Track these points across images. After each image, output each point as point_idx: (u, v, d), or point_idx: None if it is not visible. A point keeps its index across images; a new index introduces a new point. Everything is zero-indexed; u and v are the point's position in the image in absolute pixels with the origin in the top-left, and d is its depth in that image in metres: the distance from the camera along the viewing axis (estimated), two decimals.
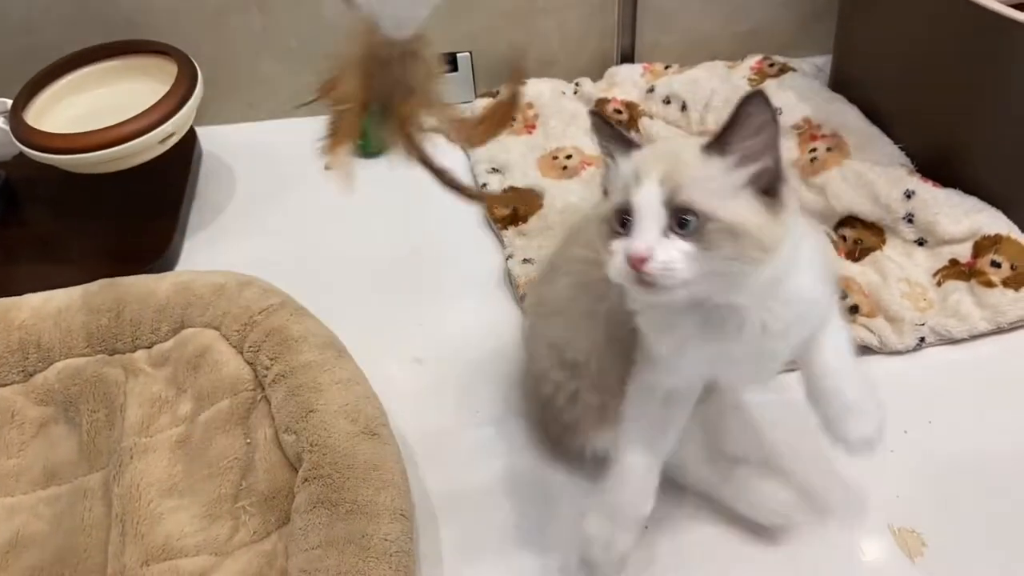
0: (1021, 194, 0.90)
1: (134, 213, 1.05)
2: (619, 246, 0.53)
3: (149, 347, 0.85)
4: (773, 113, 0.51)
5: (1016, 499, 0.74)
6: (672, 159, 0.54)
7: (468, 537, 0.75)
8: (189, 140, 1.11)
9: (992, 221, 0.90)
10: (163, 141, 0.94)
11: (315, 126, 1.21)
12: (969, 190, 0.93)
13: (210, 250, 1.04)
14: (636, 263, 0.51)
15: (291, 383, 0.77)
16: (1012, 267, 0.87)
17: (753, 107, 0.51)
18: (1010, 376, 0.83)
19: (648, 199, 0.52)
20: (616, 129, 0.58)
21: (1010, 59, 0.84)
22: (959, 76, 0.90)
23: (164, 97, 0.94)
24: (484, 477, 0.79)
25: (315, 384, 0.76)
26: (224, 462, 0.75)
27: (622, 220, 0.54)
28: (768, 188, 0.53)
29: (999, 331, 0.86)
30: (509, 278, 0.96)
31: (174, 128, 0.94)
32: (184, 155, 1.07)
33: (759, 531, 0.72)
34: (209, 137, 1.18)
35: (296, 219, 1.08)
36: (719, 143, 0.52)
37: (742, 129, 0.51)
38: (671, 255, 0.51)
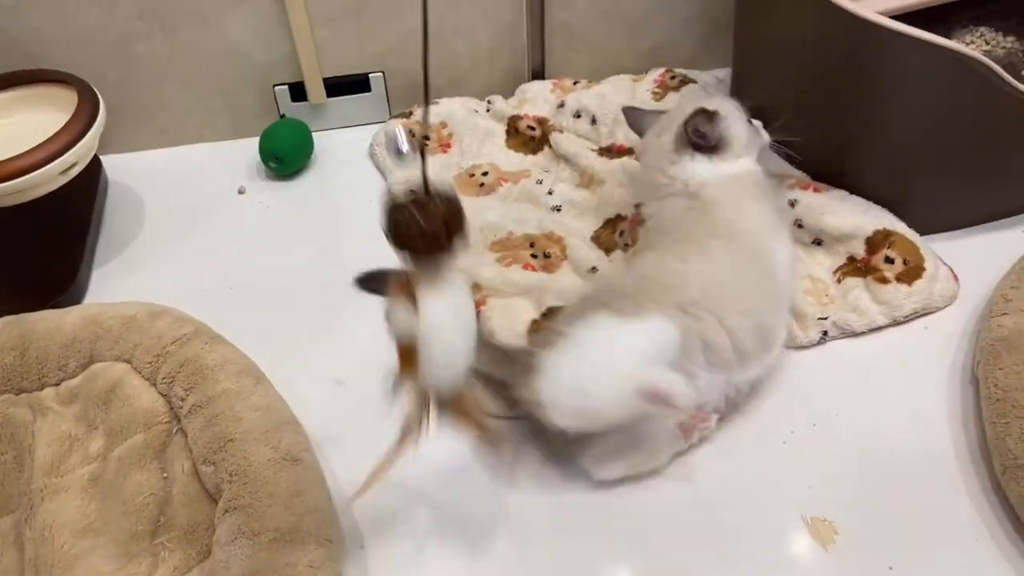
0: (906, 195, 0.96)
1: (37, 246, 1.01)
2: None
3: (57, 384, 0.82)
4: None
5: (920, 485, 0.78)
6: None
7: (397, 560, 0.74)
8: (94, 169, 1.08)
9: (878, 218, 0.95)
10: (64, 172, 0.91)
11: (226, 150, 1.22)
12: (861, 194, 0.98)
13: (120, 281, 1.01)
14: None
15: (208, 413, 0.76)
16: (905, 262, 0.92)
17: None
18: (908, 366, 0.88)
19: None
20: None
21: (888, 66, 0.89)
22: (844, 84, 0.95)
23: (64, 127, 0.91)
24: (410, 499, 0.78)
25: (233, 413, 0.75)
26: (140, 498, 0.73)
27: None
28: None
29: (895, 324, 0.91)
30: None
31: (76, 158, 0.91)
32: (89, 185, 1.04)
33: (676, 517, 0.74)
34: (115, 165, 1.15)
35: (207, 245, 1.06)
36: None
37: None
38: None
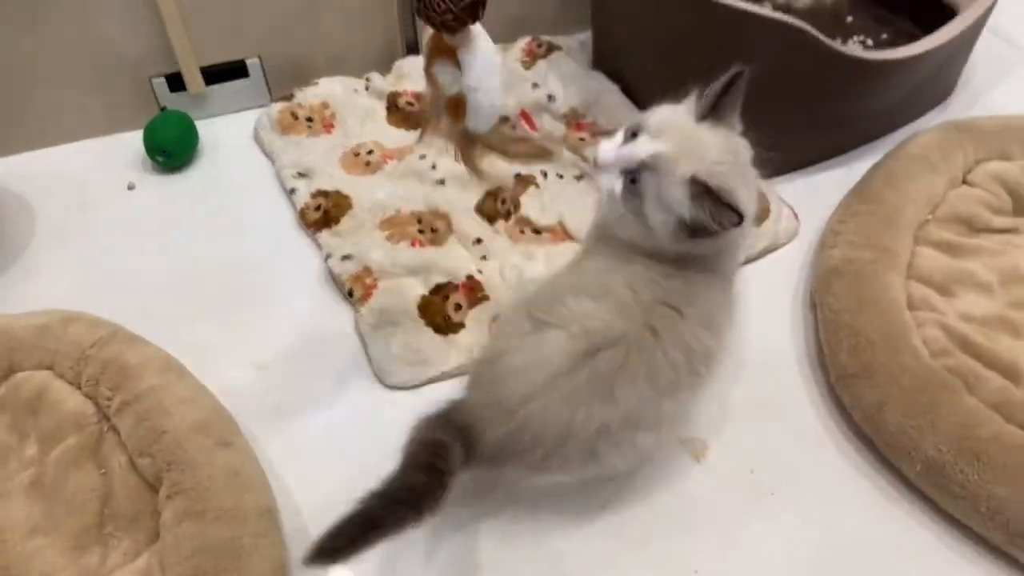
0: (751, 143, 1.08)
1: None
2: None
3: None
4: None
5: (772, 398, 0.91)
6: None
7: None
8: None
9: None
10: None
11: (110, 146, 1.22)
12: None
13: (19, 290, 1.02)
14: None
15: (137, 410, 0.81)
16: None
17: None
18: (760, 295, 0.97)
19: None
20: None
21: (727, 34, 1.00)
22: (690, 50, 1.05)
23: None
24: (338, 464, 0.86)
25: (162, 407, 0.81)
26: (82, 496, 0.78)
27: None
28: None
29: (747, 260, 1.03)
30: (332, 276, 1.03)
31: None
32: None
33: None
34: None
35: (105, 244, 1.08)
36: None
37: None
38: None
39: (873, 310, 0.89)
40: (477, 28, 0.72)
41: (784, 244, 1.06)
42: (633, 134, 0.69)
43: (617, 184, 0.68)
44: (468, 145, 0.83)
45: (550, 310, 0.71)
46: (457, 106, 0.76)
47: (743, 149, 0.70)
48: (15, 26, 1.08)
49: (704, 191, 0.64)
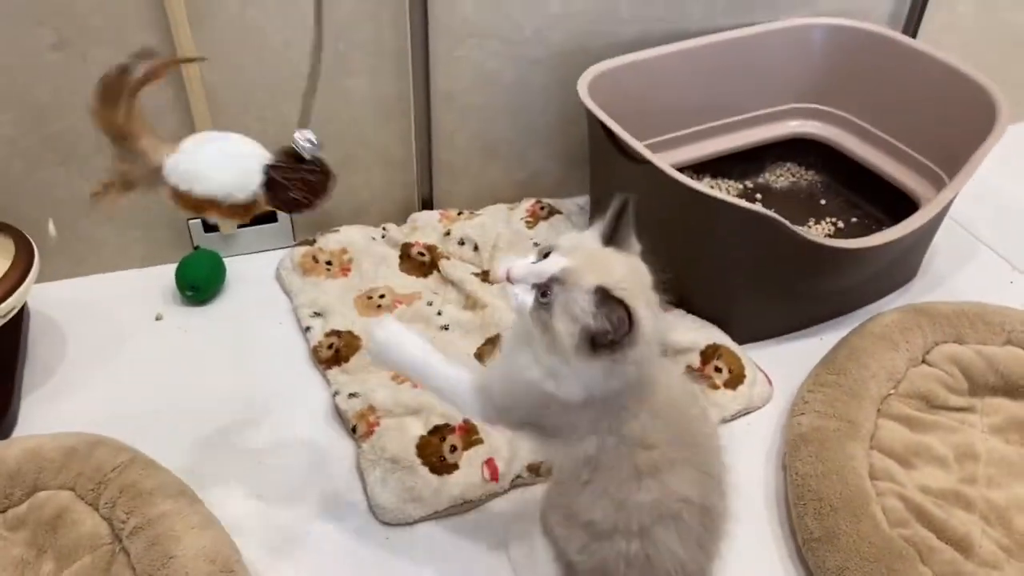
0: (728, 313, 1.19)
1: None
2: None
3: (3, 512, 0.91)
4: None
5: (742, 554, 0.95)
6: None
7: None
8: None
9: (710, 334, 1.17)
10: (3, 316, 1.01)
11: (143, 278, 1.32)
12: (696, 313, 1.21)
13: (48, 409, 1.10)
14: None
15: (149, 534, 0.87)
16: (730, 371, 1.14)
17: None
18: (735, 456, 1.01)
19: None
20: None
21: (708, 219, 1.12)
22: (675, 228, 1.17)
23: (4, 276, 1.01)
24: None
25: (172, 532, 0.87)
26: None
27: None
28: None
29: (724, 422, 1.12)
30: (338, 412, 1.11)
31: (13, 304, 1.02)
32: (14, 318, 1.13)
33: None
34: (34, 295, 1.23)
35: (130, 371, 1.16)
36: None
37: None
38: None
39: (836, 477, 0.96)
40: None
41: (759, 407, 1.15)
42: (545, 255, 0.73)
43: (528, 298, 0.71)
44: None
45: None
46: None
47: (645, 271, 0.77)
48: (69, 165, 1.20)
49: (606, 297, 0.68)
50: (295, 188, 0.83)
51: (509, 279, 0.72)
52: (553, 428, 0.78)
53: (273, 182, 0.82)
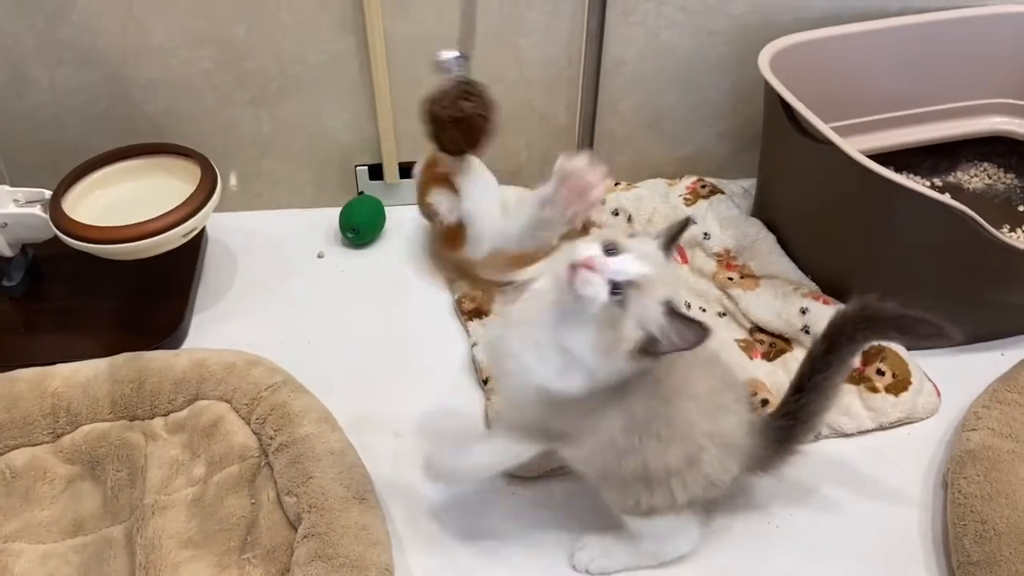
0: None
1: (147, 293, 1.18)
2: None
3: (166, 415, 0.98)
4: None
5: (890, 570, 0.91)
6: None
7: None
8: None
9: None
10: (185, 236, 1.09)
11: (310, 217, 1.38)
12: None
13: (215, 328, 1.18)
14: None
15: (292, 452, 0.91)
16: (894, 375, 1.06)
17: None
18: (890, 466, 1.01)
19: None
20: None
21: (889, 209, 1.04)
22: (850, 216, 1.10)
23: (189, 198, 1.09)
24: (452, 539, 0.93)
25: (313, 454, 0.90)
26: (233, 519, 0.88)
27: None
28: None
29: (881, 428, 1.04)
30: (474, 364, 1.12)
31: (195, 224, 1.09)
32: (193, 242, 1.21)
33: None
34: (215, 224, 1.32)
35: (290, 302, 1.22)
36: None
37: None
38: None
39: (1005, 501, 0.87)
40: (473, 157, 0.76)
41: (922, 419, 1.06)
42: (608, 250, 0.71)
43: (604, 291, 0.69)
44: (462, 275, 0.83)
45: None
46: (456, 235, 0.77)
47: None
48: (257, 105, 1.27)
49: (674, 313, 0.71)
50: (453, 126, 0.74)
51: (589, 267, 0.70)
52: (562, 431, 0.81)
53: (435, 121, 0.75)
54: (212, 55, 1.21)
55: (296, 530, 0.86)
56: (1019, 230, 1.30)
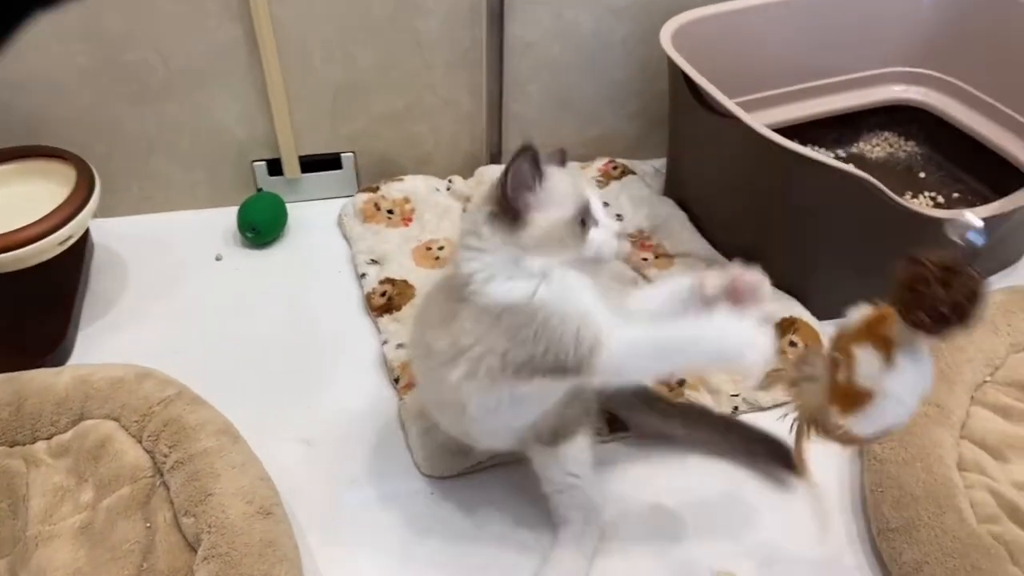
0: (809, 286, 1.10)
1: (25, 307, 1.09)
2: (602, 233, 0.71)
3: (49, 439, 0.91)
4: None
5: (813, 534, 0.90)
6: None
7: None
8: (81, 236, 1.17)
9: (787, 307, 1.09)
10: (62, 243, 1.01)
11: (205, 218, 1.31)
12: (773, 283, 1.11)
13: (104, 342, 1.10)
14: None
15: (189, 469, 0.85)
16: (806, 346, 1.06)
17: None
18: None
19: (600, 202, 0.73)
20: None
21: (795, 180, 1.04)
22: (757, 190, 1.10)
23: (64, 203, 1.01)
24: (371, 547, 0.88)
25: (212, 470, 0.84)
26: (126, 545, 0.82)
27: (582, 220, 0.70)
28: None
29: None
30: (385, 362, 1.07)
31: (72, 231, 1.01)
32: (76, 249, 1.13)
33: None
34: (101, 230, 1.24)
35: (187, 308, 1.15)
36: None
37: None
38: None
39: (920, 465, 0.88)
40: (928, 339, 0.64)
41: None
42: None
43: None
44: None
45: None
46: (853, 399, 0.67)
47: None
48: (141, 103, 1.19)
49: None
50: (946, 307, 0.61)
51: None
52: None
53: (927, 291, 0.61)
54: (86, 49, 1.13)
55: (196, 552, 0.80)
56: (921, 196, 1.32)
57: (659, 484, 0.95)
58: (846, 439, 0.71)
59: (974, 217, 0.67)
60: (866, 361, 0.66)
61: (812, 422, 0.74)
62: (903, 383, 0.66)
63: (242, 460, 0.87)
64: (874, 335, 0.66)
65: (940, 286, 0.60)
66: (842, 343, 0.68)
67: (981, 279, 0.61)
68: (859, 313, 0.69)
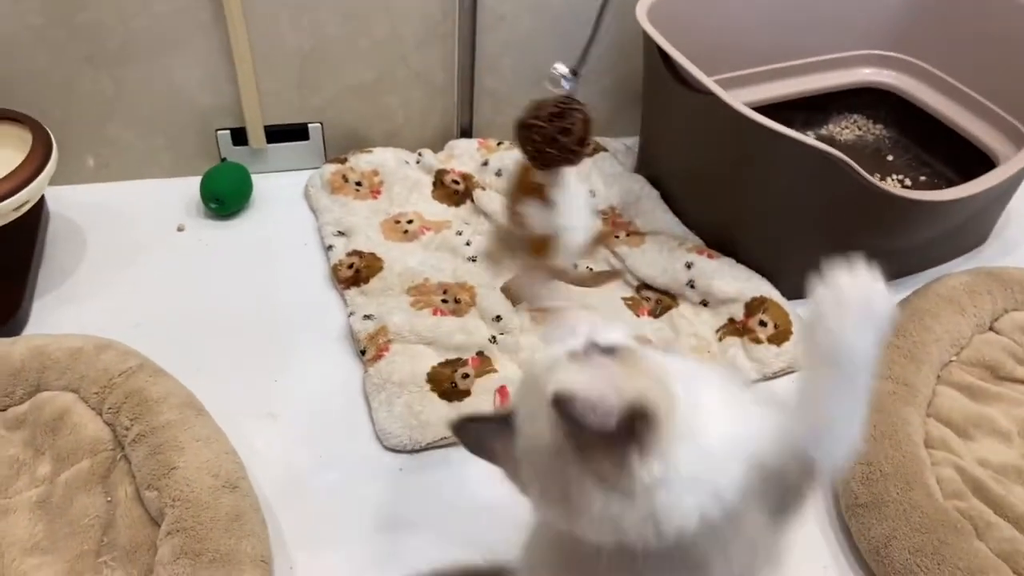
0: (780, 264, 1.10)
1: None
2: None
3: (3, 410, 0.87)
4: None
5: None
6: None
7: None
8: (37, 203, 1.12)
9: (757, 286, 1.09)
10: (16, 209, 0.97)
11: (167, 188, 1.28)
12: (744, 262, 1.13)
13: (60, 313, 1.06)
14: None
15: (152, 442, 0.82)
16: (776, 326, 1.06)
17: None
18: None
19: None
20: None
21: (767, 157, 1.04)
22: (730, 167, 1.10)
23: (19, 166, 0.97)
24: (337, 521, 0.86)
25: (176, 443, 0.82)
26: (86, 520, 0.79)
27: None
28: None
29: (765, 379, 1.04)
30: (352, 334, 1.05)
31: (28, 196, 0.97)
32: (31, 217, 1.09)
33: None
34: (57, 198, 1.19)
35: (147, 280, 1.12)
36: None
37: None
38: None
39: (889, 442, 0.89)
40: (569, 169, 0.74)
41: None
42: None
43: None
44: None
45: None
46: (543, 245, 0.76)
47: None
48: (98, 65, 1.15)
49: None
50: (557, 140, 0.73)
51: None
52: None
53: (526, 138, 0.74)
54: (39, 7, 1.08)
55: (159, 526, 0.78)
56: (889, 178, 1.34)
57: None
58: (562, 275, 0.77)
59: (561, 66, 0.78)
60: (531, 212, 0.74)
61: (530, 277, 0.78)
62: (568, 212, 0.74)
63: (207, 433, 0.85)
64: (526, 188, 0.74)
65: (550, 122, 0.72)
66: (511, 207, 0.77)
67: (584, 108, 0.74)
68: (511, 177, 0.78)
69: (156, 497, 0.79)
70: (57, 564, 0.76)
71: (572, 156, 0.72)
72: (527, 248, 0.77)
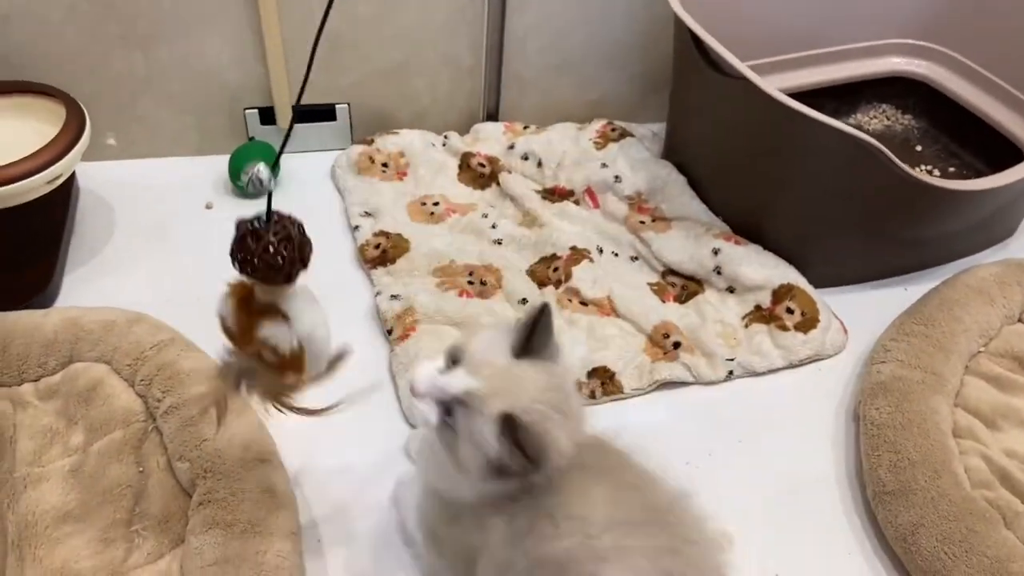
0: (809, 253, 1.10)
1: (11, 248, 1.06)
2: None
3: (36, 380, 0.88)
4: None
5: (806, 504, 0.91)
6: None
7: (352, 558, 0.83)
8: (68, 177, 1.13)
9: (784, 273, 1.09)
10: (50, 182, 0.97)
11: (196, 166, 1.28)
12: (771, 249, 1.12)
13: (90, 286, 1.07)
14: None
15: (184, 415, 0.83)
16: (803, 314, 1.06)
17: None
18: (802, 403, 1.01)
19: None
20: None
21: (799, 143, 1.03)
22: (761, 153, 1.09)
23: (53, 140, 0.97)
24: (364, 495, 0.87)
25: (208, 415, 0.83)
26: (118, 489, 0.80)
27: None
28: None
29: (791, 366, 1.04)
30: (378, 313, 1.06)
31: (62, 170, 0.98)
32: (63, 192, 1.09)
33: None
34: (87, 173, 1.20)
35: (175, 256, 1.12)
36: None
37: None
38: None
39: (917, 430, 0.88)
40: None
41: (831, 356, 1.06)
42: (453, 360, 0.64)
43: (432, 415, 0.63)
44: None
45: None
46: (295, 361, 0.70)
47: (563, 379, 0.66)
48: (130, 44, 1.15)
49: (514, 426, 0.59)
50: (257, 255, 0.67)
51: (413, 392, 0.64)
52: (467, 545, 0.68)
53: (262, 252, 0.68)
54: None
55: (191, 497, 0.79)
56: (917, 168, 1.33)
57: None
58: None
59: (264, 168, 0.75)
60: (271, 333, 0.68)
61: (277, 401, 0.73)
62: (306, 323, 0.70)
63: (238, 407, 0.85)
64: (259, 311, 0.69)
65: (254, 240, 0.67)
66: (242, 338, 0.70)
67: (289, 221, 0.69)
68: (223, 309, 0.71)
69: (188, 468, 0.80)
70: (89, 532, 0.77)
71: (278, 269, 0.68)
72: (276, 371, 0.71)
